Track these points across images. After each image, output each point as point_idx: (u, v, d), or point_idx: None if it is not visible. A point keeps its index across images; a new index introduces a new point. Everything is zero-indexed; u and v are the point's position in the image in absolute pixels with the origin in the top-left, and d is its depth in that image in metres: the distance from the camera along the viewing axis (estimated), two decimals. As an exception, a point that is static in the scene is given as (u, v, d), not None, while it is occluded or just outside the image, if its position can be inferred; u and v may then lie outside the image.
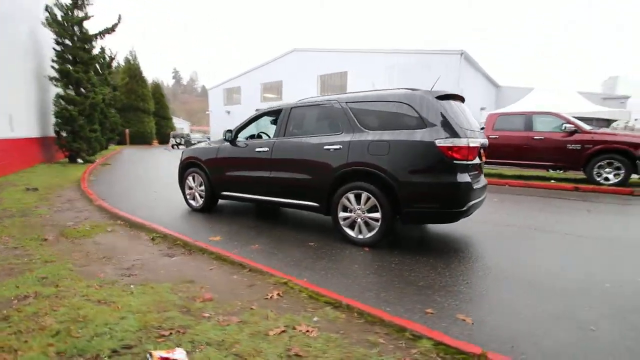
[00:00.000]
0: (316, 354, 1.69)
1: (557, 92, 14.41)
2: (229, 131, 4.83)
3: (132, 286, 2.39)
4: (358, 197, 3.61)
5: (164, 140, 32.57)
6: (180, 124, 49.57)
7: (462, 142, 3.21)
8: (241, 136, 4.99)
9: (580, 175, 8.39)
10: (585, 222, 4.84)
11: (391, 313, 2.09)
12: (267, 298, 2.30)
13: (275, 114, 4.85)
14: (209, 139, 20.77)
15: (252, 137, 5.28)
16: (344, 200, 3.70)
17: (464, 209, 3.29)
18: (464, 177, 3.28)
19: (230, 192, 4.86)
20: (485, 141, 3.82)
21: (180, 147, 28.55)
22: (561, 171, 8.72)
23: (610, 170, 7.29)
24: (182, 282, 2.56)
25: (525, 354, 1.76)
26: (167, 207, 5.40)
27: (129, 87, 26.53)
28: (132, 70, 27.43)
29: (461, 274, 2.87)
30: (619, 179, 7.13)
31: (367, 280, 2.74)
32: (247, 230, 4.22)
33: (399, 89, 3.70)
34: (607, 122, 12.42)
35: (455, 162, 3.21)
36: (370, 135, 3.56)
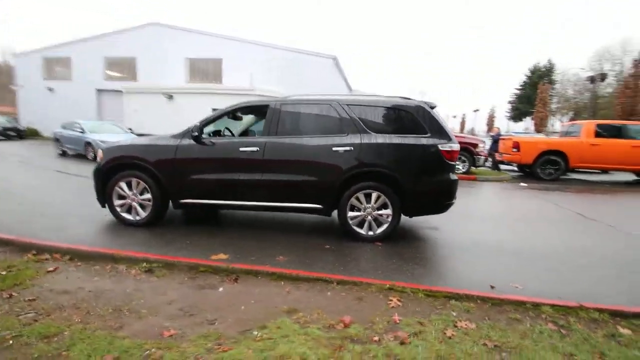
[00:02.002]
0: (505, 340, 1.93)
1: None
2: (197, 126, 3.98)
3: (254, 333, 1.85)
4: (368, 196, 3.83)
5: None
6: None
7: (455, 146, 3.94)
8: (205, 132, 4.19)
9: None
10: (475, 203, 6.72)
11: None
12: (392, 307, 2.29)
13: (254, 110, 4.35)
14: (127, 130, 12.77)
15: (215, 133, 4.49)
16: (352, 200, 3.84)
17: (454, 200, 4.07)
18: (454, 175, 4.05)
19: (197, 199, 4.05)
20: None
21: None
22: None
23: (459, 162, 10.13)
24: (286, 312, 2.16)
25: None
26: (78, 224, 3.98)
27: None
28: None
29: (466, 252, 3.60)
30: (466, 169, 10.05)
31: (420, 271, 3.05)
32: (240, 241, 3.70)
33: (396, 97, 4.11)
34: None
35: (449, 162, 3.92)
36: (380, 138, 3.82)
